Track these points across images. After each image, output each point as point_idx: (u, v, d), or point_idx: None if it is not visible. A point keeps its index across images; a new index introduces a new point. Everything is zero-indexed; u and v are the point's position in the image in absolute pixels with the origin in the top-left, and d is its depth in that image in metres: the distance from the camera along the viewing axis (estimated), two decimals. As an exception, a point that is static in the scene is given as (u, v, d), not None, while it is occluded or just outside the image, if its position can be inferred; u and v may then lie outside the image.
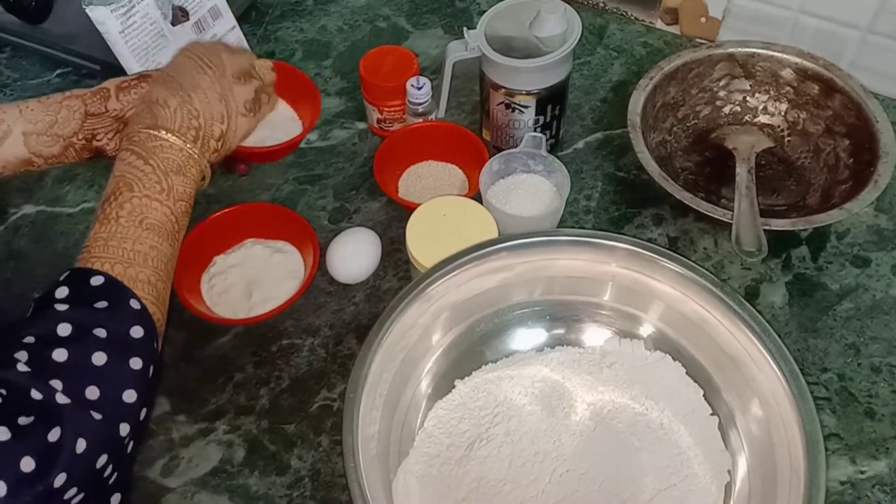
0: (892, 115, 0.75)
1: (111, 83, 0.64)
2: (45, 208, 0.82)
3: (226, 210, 0.74)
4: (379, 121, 0.83)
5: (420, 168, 0.82)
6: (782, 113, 0.82)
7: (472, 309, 0.66)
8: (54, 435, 0.43)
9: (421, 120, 0.80)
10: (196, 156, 0.58)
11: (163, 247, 0.55)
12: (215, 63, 0.62)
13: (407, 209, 0.76)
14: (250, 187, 0.82)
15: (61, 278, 0.51)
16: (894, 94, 0.84)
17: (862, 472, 0.62)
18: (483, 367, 0.66)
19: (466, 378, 0.65)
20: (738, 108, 0.84)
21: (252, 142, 0.72)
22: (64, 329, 0.47)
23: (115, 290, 0.51)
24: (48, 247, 0.79)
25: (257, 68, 0.66)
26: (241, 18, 0.87)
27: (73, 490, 0.44)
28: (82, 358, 0.47)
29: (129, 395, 0.48)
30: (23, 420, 0.43)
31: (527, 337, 0.68)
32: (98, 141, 0.63)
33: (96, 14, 0.70)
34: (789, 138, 0.82)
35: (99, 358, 0.47)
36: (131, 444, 0.49)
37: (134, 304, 0.51)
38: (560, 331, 0.68)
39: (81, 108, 0.62)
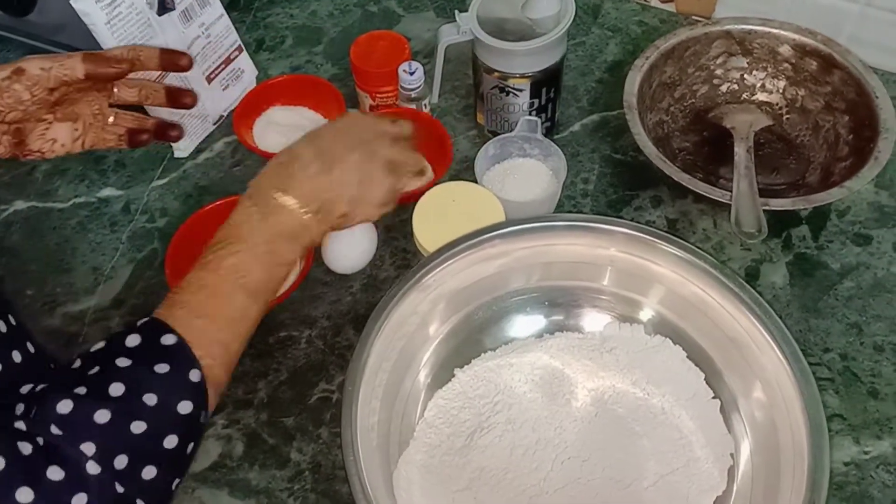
0: (892, 90, 0.74)
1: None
2: (35, 204, 0.81)
3: (219, 202, 0.73)
4: (372, 107, 0.82)
5: None
6: (780, 90, 0.81)
7: (470, 297, 0.65)
8: (79, 500, 0.43)
9: (414, 106, 0.79)
10: (312, 226, 0.57)
11: (251, 310, 0.54)
12: (373, 146, 0.60)
13: None
14: (243, 178, 0.81)
15: (139, 323, 0.51)
16: (894, 68, 0.82)
17: (866, 453, 0.62)
18: (482, 355, 0.65)
19: (466, 367, 0.65)
20: (736, 87, 0.83)
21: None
22: (116, 389, 0.47)
23: (182, 357, 0.50)
24: (40, 242, 0.78)
25: (413, 165, 0.64)
26: (230, 6, 0.86)
27: None
28: (123, 424, 0.46)
29: (149, 471, 0.47)
30: (50, 477, 0.42)
31: (526, 324, 0.67)
32: None
33: (81, 5, 0.69)
34: (788, 116, 0.81)
35: (138, 427, 0.47)
36: (175, 483, 0.49)
37: (194, 376, 0.50)
38: (559, 317, 0.67)
39: None
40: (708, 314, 0.61)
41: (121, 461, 0.45)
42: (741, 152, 0.73)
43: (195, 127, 0.83)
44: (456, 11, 0.73)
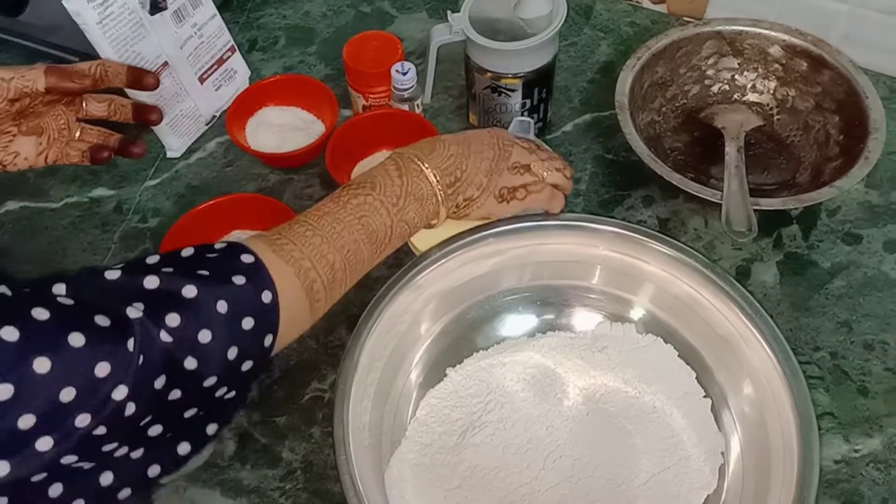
0: (881, 91, 0.75)
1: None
2: (28, 204, 0.81)
3: (211, 202, 0.74)
4: (365, 108, 0.82)
5: (374, 159, 0.81)
6: (771, 91, 0.82)
7: (462, 296, 0.66)
8: (129, 345, 0.43)
9: (406, 106, 0.79)
10: (440, 198, 0.60)
11: (364, 248, 0.56)
12: (506, 147, 0.63)
13: None
14: (236, 178, 0.81)
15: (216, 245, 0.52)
16: (884, 68, 0.83)
17: (856, 451, 0.62)
18: (474, 354, 0.65)
19: (458, 366, 0.65)
20: (727, 87, 0.83)
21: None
22: (168, 268, 0.48)
23: (233, 248, 0.52)
24: (32, 242, 0.78)
25: (536, 175, 0.64)
26: (222, 6, 0.86)
27: (132, 405, 0.44)
28: (174, 286, 0.47)
29: (204, 335, 0.47)
30: (98, 323, 0.43)
31: (517, 323, 0.67)
32: None
33: (73, 6, 0.69)
34: (778, 116, 0.81)
35: (189, 291, 0.47)
36: (222, 390, 0.49)
37: (246, 257, 0.51)
38: (550, 316, 0.67)
39: None
40: (699, 313, 0.62)
41: (172, 319, 0.46)
42: (732, 152, 0.73)
43: (188, 127, 0.83)
44: (448, 12, 0.73)
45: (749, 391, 0.59)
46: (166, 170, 0.83)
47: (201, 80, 0.82)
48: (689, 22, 0.84)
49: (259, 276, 0.51)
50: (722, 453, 0.60)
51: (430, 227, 0.61)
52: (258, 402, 0.67)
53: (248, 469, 0.64)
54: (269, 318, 0.51)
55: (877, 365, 0.66)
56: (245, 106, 0.83)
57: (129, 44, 0.73)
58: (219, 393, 0.49)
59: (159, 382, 0.45)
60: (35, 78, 0.62)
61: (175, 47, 0.78)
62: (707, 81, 0.83)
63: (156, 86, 0.66)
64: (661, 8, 0.93)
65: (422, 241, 0.65)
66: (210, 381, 0.48)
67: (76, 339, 0.41)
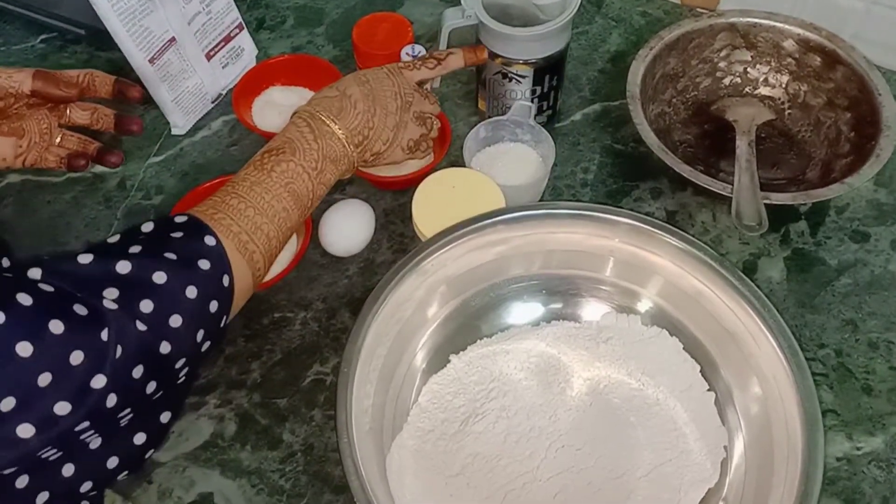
0: (895, 89, 0.74)
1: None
2: (30, 177, 0.80)
3: (215, 180, 0.73)
4: (373, 90, 0.81)
5: None
6: (783, 85, 0.81)
7: (468, 282, 0.65)
8: (103, 335, 0.45)
9: (416, 89, 0.78)
10: (352, 158, 0.64)
11: (293, 213, 0.60)
12: (407, 98, 0.67)
13: (371, 184, 0.76)
14: (241, 157, 0.81)
15: (178, 221, 0.54)
16: (897, 66, 0.82)
17: (858, 449, 0.62)
18: (478, 341, 0.65)
19: (461, 352, 0.64)
20: (739, 80, 0.82)
21: None
22: (135, 248, 0.50)
23: (196, 229, 0.54)
24: (34, 216, 0.77)
25: (433, 122, 0.70)
26: (231, -17, 0.84)
27: (113, 396, 0.46)
28: (145, 274, 0.49)
29: (175, 320, 0.49)
30: (77, 311, 0.44)
31: (523, 311, 0.67)
32: None
33: (81, -24, 0.68)
34: (790, 111, 0.81)
35: (159, 277, 0.49)
36: (185, 370, 0.52)
37: (209, 240, 0.53)
38: (557, 305, 0.67)
39: None
40: (706, 307, 0.61)
41: (146, 305, 0.48)
42: (743, 146, 0.73)
43: (193, 104, 0.82)
44: (461, -5, 0.72)
45: (754, 387, 0.59)
46: (171, 147, 0.82)
47: (208, 56, 0.81)
48: (702, 13, 0.83)
49: (221, 259, 0.54)
50: (724, 447, 0.59)
51: (343, 177, 0.65)
52: (259, 384, 0.66)
53: (249, 450, 0.63)
54: (227, 299, 0.54)
55: (881, 364, 0.66)
56: (252, 85, 0.82)
57: (137, 17, 0.72)
58: (181, 375, 0.52)
59: (137, 371, 0.47)
60: (22, 80, 0.63)
61: (182, 23, 0.77)
62: (719, 74, 0.82)
63: (140, 99, 0.69)
64: (674, -2, 0.92)
65: (428, 226, 0.65)
66: (179, 363, 0.51)
67: (56, 326, 0.43)
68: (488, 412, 0.61)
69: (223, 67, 0.84)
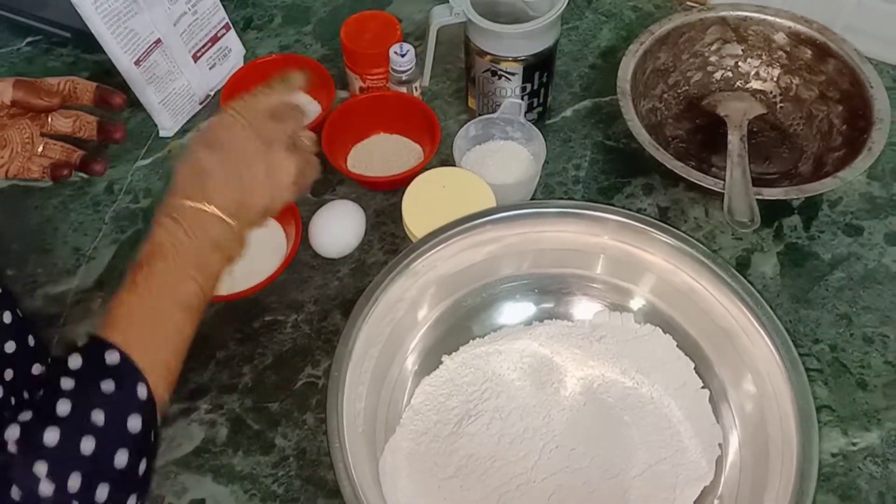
0: (886, 81, 0.74)
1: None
2: (17, 183, 0.80)
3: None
4: (362, 89, 0.81)
5: (371, 142, 0.80)
6: (775, 78, 0.80)
7: (460, 283, 0.65)
8: (14, 494, 0.42)
9: (405, 88, 0.78)
10: (236, 229, 0.55)
11: (186, 327, 0.53)
12: (263, 130, 0.57)
13: (361, 184, 0.75)
14: (230, 159, 0.80)
15: (80, 344, 0.49)
16: (889, 58, 0.82)
17: (854, 444, 0.62)
18: (470, 342, 0.65)
19: (454, 353, 0.64)
20: (730, 74, 0.82)
21: None
22: (63, 408, 0.46)
23: (128, 374, 0.48)
24: (22, 221, 0.77)
25: (301, 137, 0.60)
26: (218, -17, 0.84)
27: None
28: (72, 443, 0.45)
29: (102, 492, 0.45)
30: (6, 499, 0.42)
31: (515, 311, 0.66)
32: None
33: (64, -21, 0.67)
34: (782, 105, 0.80)
35: (88, 445, 0.45)
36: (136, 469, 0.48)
37: (142, 392, 0.48)
38: (549, 304, 0.66)
39: None
40: (699, 304, 0.61)
41: (74, 480, 0.44)
42: (735, 140, 0.72)
43: (181, 106, 0.82)
44: (448, -7, 0.72)
45: (748, 383, 0.58)
46: (158, 149, 0.81)
47: (195, 58, 0.81)
48: (692, 7, 0.83)
49: (129, 374, 0.48)
50: (719, 445, 0.59)
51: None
52: (251, 388, 0.66)
53: (241, 455, 0.63)
54: (151, 411, 0.49)
55: (876, 358, 0.66)
56: (240, 85, 0.81)
57: (122, 19, 0.71)
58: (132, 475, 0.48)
59: None
60: (2, 90, 0.61)
61: (168, 24, 0.76)
62: (710, 68, 0.82)
63: (123, 106, 0.66)
64: (664, -8, 0.91)
65: (418, 226, 0.64)
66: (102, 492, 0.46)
67: None
68: (482, 413, 0.61)
69: (210, 68, 0.83)
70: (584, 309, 0.66)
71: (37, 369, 0.54)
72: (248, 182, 0.56)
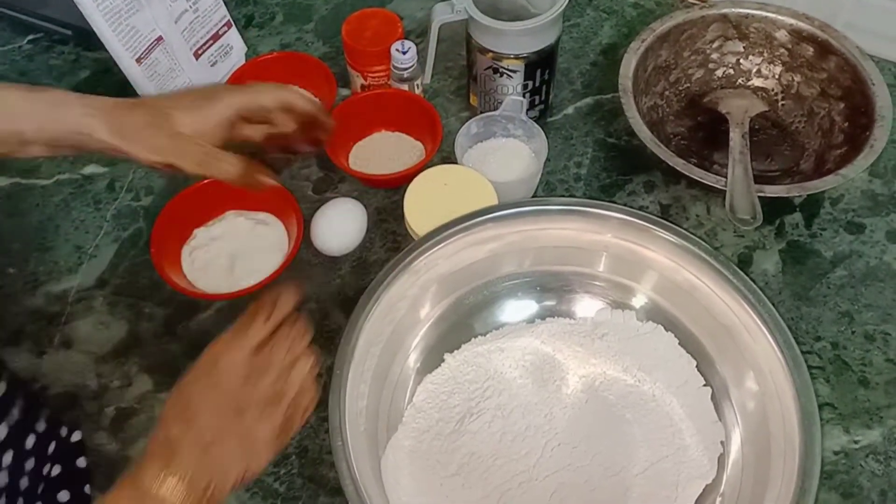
0: (888, 78, 0.74)
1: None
2: (18, 180, 0.80)
3: (205, 181, 0.72)
4: (363, 87, 0.81)
5: (372, 140, 0.80)
6: (776, 76, 0.80)
7: (461, 281, 0.65)
8: None
9: (406, 86, 0.78)
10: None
11: None
12: (239, 395, 0.50)
13: (362, 182, 0.75)
14: (231, 157, 0.80)
15: None
16: (890, 55, 0.82)
17: (856, 442, 0.62)
18: (472, 339, 0.65)
19: (456, 351, 0.64)
20: (732, 71, 0.82)
21: None
22: None
23: None
24: (22, 220, 0.77)
25: (292, 397, 0.52)
26: (218, -20, 0.83)
27: None
28: None
29: None
30: None
31: (517, 309, 0.66)
32: None
33: (65, -24, 0.67)
34: (783, 102, 0.80)
35: None
36: None
37: None
38: (551, 302, 0.66)
39: None
40: (701, 301, 0.61)
41: None
42: (736, 138, 0.72)
43: (182, 104, 0.82)
44: (450, -10, 0.72)
45: (750, 381, 0.58)
46: (160, 147, 0.81)
47: (196, 55, 0.81)
48: (693, 4, 0.83)
49: None
50: (721, 443, 0.59)
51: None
52: (253, 386, 0.66)
53: (242, 453, 0.63)
54: None
55: (878, 356, 0.66)
56: (241, 83, 0.82)
57: (123, 17, 0.71)
58: None
59: None
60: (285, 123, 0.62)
61: (169, 21, 0.76)
62: (711, 65, 0.82)
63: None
64: (666, -10, 0.91)
65: (420, 224, 0.64)
66: None
67: None
68: (484, 411, 0.61)
69: (212, 66, 0.83)
70: (586, 306, 0.66)
71: None
72: (218, 459, 0.49)
